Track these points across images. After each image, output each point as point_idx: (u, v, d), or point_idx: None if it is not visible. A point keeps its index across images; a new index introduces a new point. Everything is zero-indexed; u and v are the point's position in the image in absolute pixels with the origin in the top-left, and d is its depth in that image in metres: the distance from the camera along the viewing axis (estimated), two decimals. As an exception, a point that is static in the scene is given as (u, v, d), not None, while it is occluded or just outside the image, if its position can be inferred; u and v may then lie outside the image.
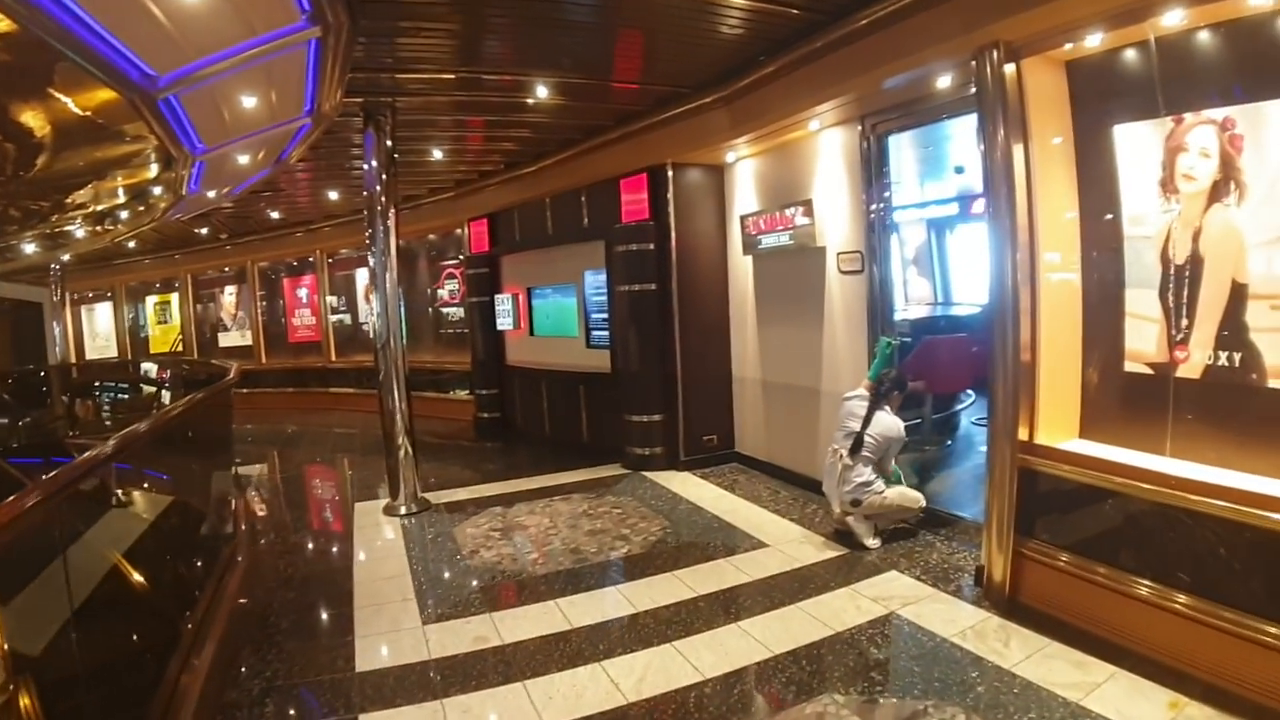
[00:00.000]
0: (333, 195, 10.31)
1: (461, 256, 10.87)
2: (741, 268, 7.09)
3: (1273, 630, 2.91)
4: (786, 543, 5.20)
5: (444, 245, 11.65)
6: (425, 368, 11.15)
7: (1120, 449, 3.73)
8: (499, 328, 9.78)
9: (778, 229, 6.27)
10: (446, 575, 5.04)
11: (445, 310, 11.70)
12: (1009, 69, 3.82)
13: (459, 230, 10.84)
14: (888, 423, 4.95)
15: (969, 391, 7.52)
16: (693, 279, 7.19)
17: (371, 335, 6.40)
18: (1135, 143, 3.63)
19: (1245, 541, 3.03)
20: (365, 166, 6.38)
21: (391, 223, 6.30)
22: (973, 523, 5.06)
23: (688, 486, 6.74)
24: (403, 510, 6.34)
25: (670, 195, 7.02)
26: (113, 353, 16.15)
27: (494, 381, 10.04)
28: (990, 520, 4.08)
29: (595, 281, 8.14)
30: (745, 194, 6.92)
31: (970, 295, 9.99)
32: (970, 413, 7.54)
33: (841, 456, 4.98)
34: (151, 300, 16.07)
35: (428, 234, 11.70)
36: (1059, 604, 3.77)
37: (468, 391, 10.62)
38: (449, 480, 7.51)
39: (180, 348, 15.20)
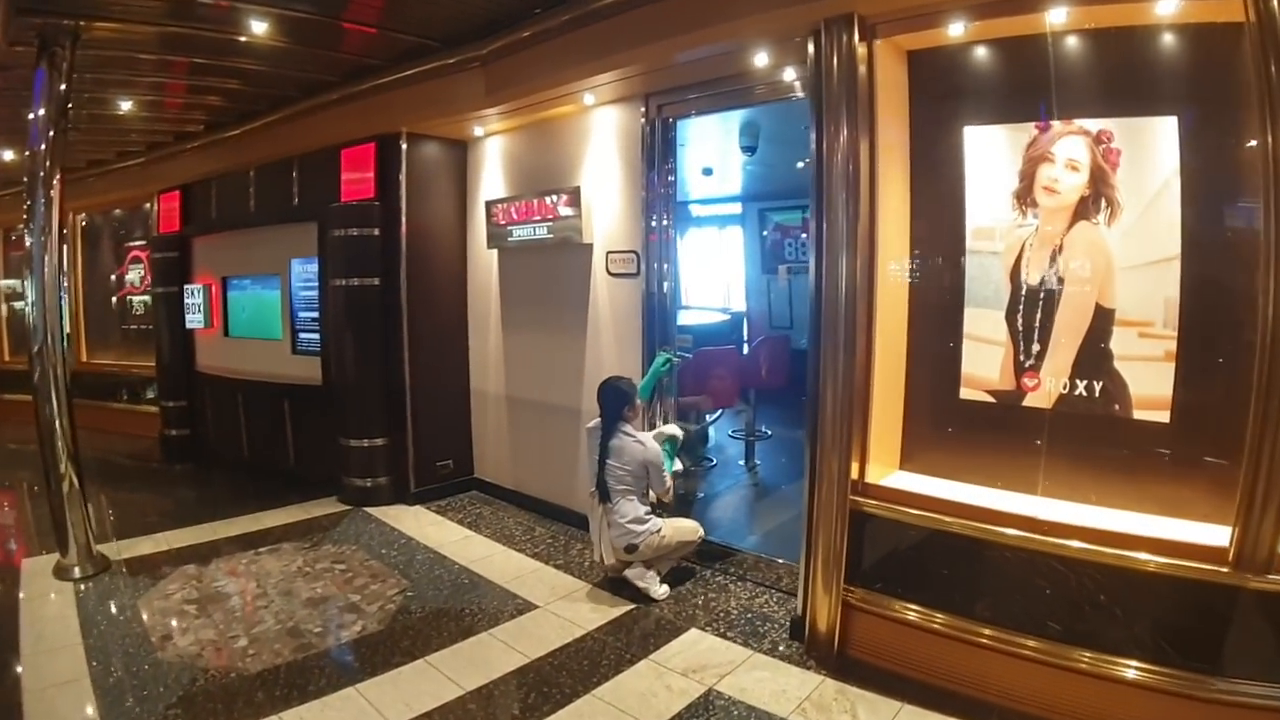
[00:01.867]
0: (7, 155, 7.39)
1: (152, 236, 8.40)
2: (484, 263, 5.85)
3: (1142, 668, 2.62)
4: (558, 600, 4.09)
5: (132, 222, 9.03)
6: (108, 371, 8.98)
7: (952, 483, 3.26)
8: (188, 325, 7.54)
9: (534, 220, 5.16)
10: (135, 678, 3.27)
11: (132, 300, 9.09)
12: (861, 50, 3.15)
13: (149, 205, 8.32)
14: (631, 449, 4.04)
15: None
16: (427, 274, 5.78)
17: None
18: (988, 148, 3.14)
19: (1107, 580, 2.70)
20: (32, 116, 4.39)
21: (56, 192, 4.40)
22: (753, 555, 4.42)
23: (423, 526, 5.32)
24: (77, 573, 4.39)
25: (403, 171, 5.54)
26: None
27: (182, 391, 7.76)
28: (813, 567, 3.39)
29: (305, 272, 6.34)
30: (493, 177, 5.69)
31: (699, 301, 9.88)
32: (720, 426, 7.10)
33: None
34: None
35: (114, 208, 9.10)
36: (901, 658, 3.20)
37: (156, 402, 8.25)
38: (132, 523, 5.41)
39: None
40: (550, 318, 5.31)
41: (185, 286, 7.56)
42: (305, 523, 5.43)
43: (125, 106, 6.07)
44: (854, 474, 3.30)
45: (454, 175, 5.92)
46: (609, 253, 4.80)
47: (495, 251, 5.68)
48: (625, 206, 4.72)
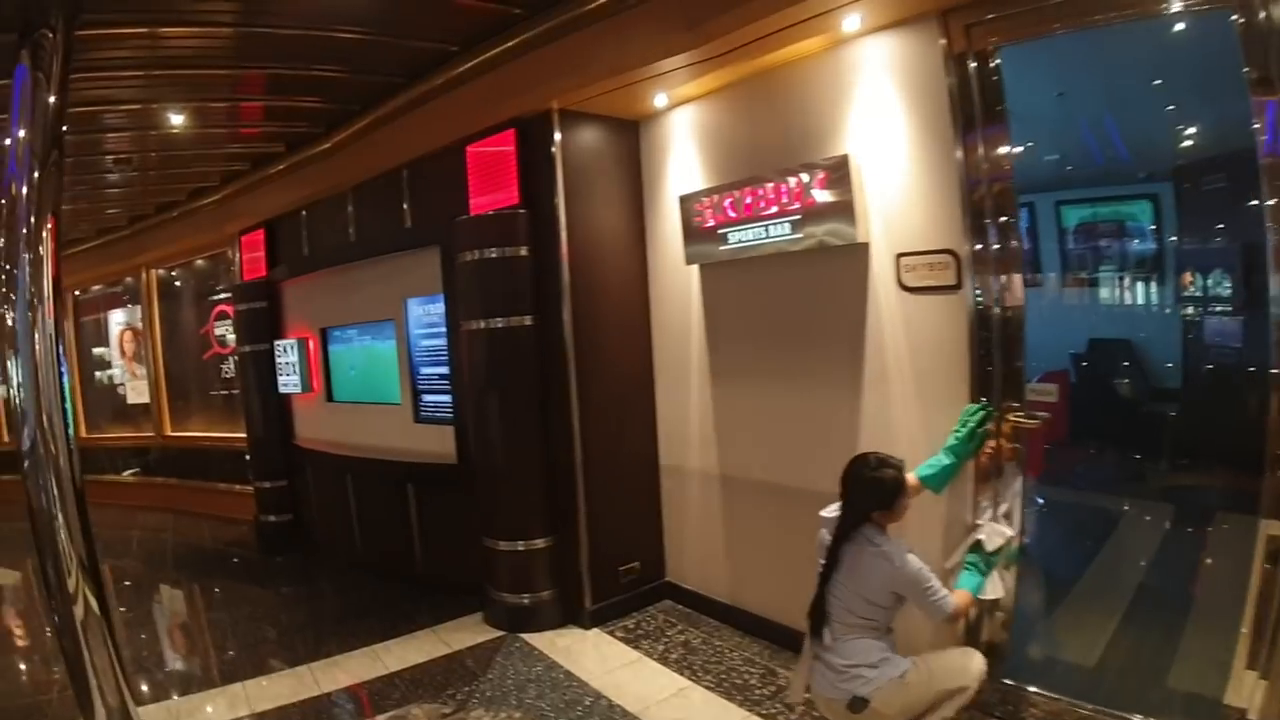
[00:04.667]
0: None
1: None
2: (677, 286, 4.89)
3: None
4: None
5: (217, 272, 9.15)
6: (196, 445, 9.39)
7: None
8: (282, 389, 7.14)
9: (767, 215, 4.12)
10: None
11: (224, 361, 9.15)
12: None
13: (230, 251, 8.24)
14: (874, 566, 2.94)
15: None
16: (597, 307, 4.86)
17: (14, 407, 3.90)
18: None
19: None
20: (8, 140, 3.80)
21: (48, 248, 3.70)
22: (1089, 710, 3.21)
23: (612, 669, 4.28)
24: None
25: (559, 164, 4.66)
26: None
27: (280, 469, 7.40)
28: None
29: (426, 315, 5.62)
30: (685, 164, 4.73)
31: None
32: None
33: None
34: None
35: (193, 257, 9.28)
36: None
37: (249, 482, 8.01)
38: (198, 655, 4.81)
39: None
40: (794, 361, 4.25)
41: (276, 343, 7.15)
42: (443, 662, 4.54)
43: (176, 120, 5.51)
44: None
45: (625, 167, 5.02)
46: (902, 256, 3.69)
47: (695, 269, 4.73)
48: (925, 186, 3.59)
